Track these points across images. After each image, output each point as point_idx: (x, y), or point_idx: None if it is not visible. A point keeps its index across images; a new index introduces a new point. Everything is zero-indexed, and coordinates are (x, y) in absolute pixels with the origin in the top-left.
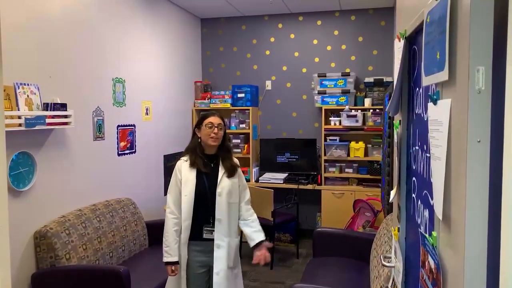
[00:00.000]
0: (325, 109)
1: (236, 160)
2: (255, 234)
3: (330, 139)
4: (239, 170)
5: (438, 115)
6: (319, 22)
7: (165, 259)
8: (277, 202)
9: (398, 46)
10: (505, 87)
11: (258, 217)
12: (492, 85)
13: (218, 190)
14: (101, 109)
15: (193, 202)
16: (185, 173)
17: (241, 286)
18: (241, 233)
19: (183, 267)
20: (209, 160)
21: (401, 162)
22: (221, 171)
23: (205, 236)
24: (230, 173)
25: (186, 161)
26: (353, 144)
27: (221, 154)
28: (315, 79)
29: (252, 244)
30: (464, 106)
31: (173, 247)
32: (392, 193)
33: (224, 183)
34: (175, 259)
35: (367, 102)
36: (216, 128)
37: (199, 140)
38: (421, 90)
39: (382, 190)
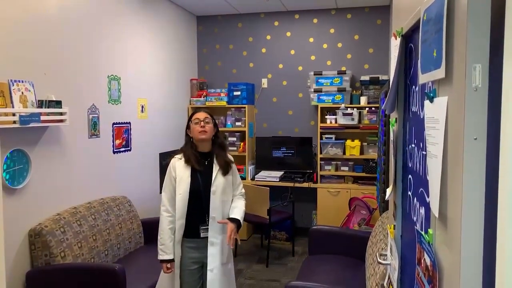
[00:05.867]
0: (321, 107)
1: (230, 156)
2: (232, 210)
3: (326, 137)
4: (234, 166)
5: (434, 112)
6: (315, 20)
7: (160, 257)
8: (273, 200)
9: (395, 44)
10: (501, 84)
11: (254, 215)
12: (488, 82)
13: (213, 188)
14: (96, 106)
15: (187, 201)
16: (180, 171)
17: (233, 281)
18: None
19: (176, 264)
20: (203, 158)
21: (397, 160)
22: (215, 169)
23: (202, 235)
24: (225, 170)
25: (180, 159)
26: (348, 142)
27: (215, 151)
28: (311, 77)
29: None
30: (460, 103)
31: (168, 245)
32: (388, 191)
33: (218, 181)
34: (170, 256)
35: (363, 100)
36: (202, 122)
37: (191, 139)
38: (417, 88)
39: (378, 188)
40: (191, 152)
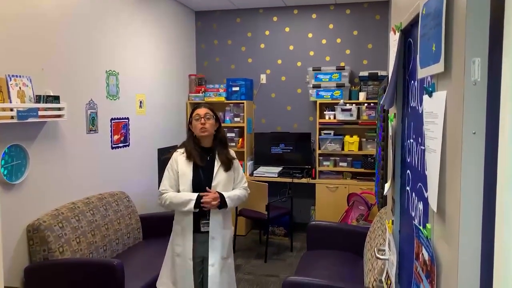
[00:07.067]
0: (319, 103)
1: (232, 153)
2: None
3: (324, 133)
4: (236, 162)
5: (433, 107)
6: (314, 16)
7: (192, 204)
8: (272, 196)
9: (394, 39)
10: (500, 78)
11: (253, 211)
12: (488, 76)
13: (214, 183)
14: (94, 102)
15: None
16: (182, 166)
17: (233, 275)
18: (235, 224)
19: (188, 256)
20: (205, 153)
21: (395, 155)
22: (217, 164)
23: (203, 229)
24: (226, 166)
25: (183, 153)
26: (347, 138)
27: (216, 147)
28: (310, 73)
29: None
30: (459, 98)
31: (185, 194)
32: (386, 186)
33: (219, 177)
34: (194, 195)
35: (362, 96)
36: (203, 119)
37: (193, 134)
38: (416, 83)
39: (376, 183)
40: (193, 148)
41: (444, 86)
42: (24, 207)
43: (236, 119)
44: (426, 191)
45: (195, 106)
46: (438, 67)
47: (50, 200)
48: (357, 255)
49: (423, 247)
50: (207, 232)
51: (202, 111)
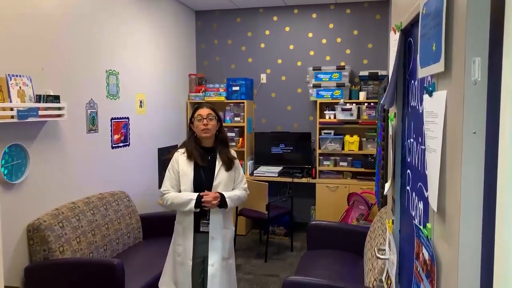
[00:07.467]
0: (320, 103)
1: (233, 152)
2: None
3: (324, 133)
4: (237, 162)
5: (433, 107)
6: (314, 15)
7: (193, 204)
8: (272, 196)
9: (394, 39)
10: (500, 78)
11: (253, 210)
12: (487, 76)
13: (215, 183)
14: (94, 101)
15: None
16: (183, 166)
17: (234, 276)
18: (235, 224)
19: (188, 256)
20: (206, 153)
21: (395, 155)
22: (218, 164)
23: (202, 229)
24: (228, 166)
25: (183, 153)
26: (347, 137)
27: (218, 146)
28: (310, 73)
29: None
30: (459, 97)
31: (185, 194)
32: (387, 186)
33: (221, 176)
34: (194, 195)
35: (362, 95)
36: (205, 120)
37: (195, 134)
38: (416, 83)
39: (376, 183)
40: (194, 147)
41: (444, 86)
42: (24, 207)
43: (236, 118)
44: (426, 190)
45: (197, 106)
46: (438, 67)
47: (50, 200)
48: (357, 254)
49: (423, 247)
50: (208, 232)
51: (204, 111)
